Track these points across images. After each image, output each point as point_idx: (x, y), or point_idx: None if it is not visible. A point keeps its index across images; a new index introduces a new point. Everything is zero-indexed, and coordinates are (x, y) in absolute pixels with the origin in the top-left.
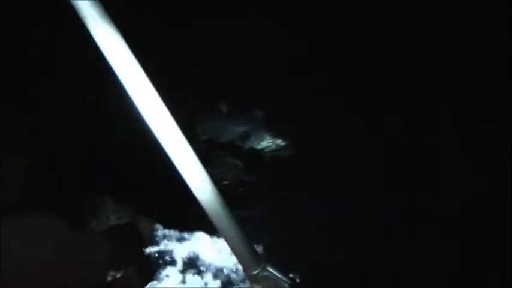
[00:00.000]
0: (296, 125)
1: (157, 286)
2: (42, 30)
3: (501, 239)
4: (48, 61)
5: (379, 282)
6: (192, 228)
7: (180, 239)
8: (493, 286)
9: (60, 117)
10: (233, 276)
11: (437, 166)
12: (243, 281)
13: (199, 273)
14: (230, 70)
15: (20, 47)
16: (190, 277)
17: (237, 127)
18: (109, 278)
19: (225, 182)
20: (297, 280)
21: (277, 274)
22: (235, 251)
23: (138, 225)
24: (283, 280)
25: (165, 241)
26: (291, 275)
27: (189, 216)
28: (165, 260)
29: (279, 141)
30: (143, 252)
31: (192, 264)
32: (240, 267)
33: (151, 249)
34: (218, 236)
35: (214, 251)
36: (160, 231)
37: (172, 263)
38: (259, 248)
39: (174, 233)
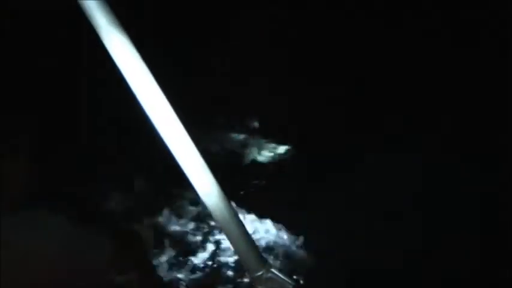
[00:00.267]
0: (296, 133)
1: None
2: (44, 31)
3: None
4: (48, 61)
5: (382, 284)
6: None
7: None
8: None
9: (62, 117)
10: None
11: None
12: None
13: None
14: (230, 80)
15: (21, 48)
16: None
17: (237, 137)
18: (112, 281)
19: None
20: (301, 282)
21: (281, 276)
22: (239, 252)
23: (141, 229)
24: (287, 282)
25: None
26: (294, 277)
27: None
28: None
29: (280, 150)
30: (146, 257)
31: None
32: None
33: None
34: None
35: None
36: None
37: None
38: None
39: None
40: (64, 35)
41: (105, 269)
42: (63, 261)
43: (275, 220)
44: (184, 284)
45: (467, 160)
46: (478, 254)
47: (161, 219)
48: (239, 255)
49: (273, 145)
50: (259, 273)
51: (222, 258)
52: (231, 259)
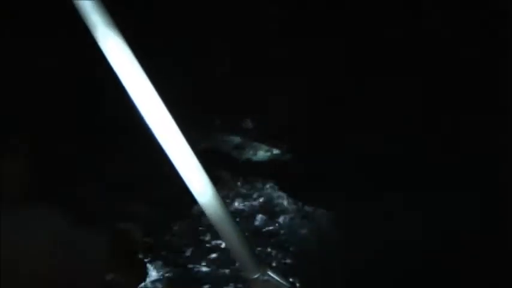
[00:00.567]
0: (294, 134)
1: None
2: (44, 31)
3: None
4: (49, 62)
5: (382, 286)
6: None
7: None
8: None
9: (62, 117)
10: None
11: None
12: None
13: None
14: (227, 81)
15: (20, 48)
16: None
17: (232, 138)
18: (110, 281)
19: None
20: (297, 285)
21: (278, 278)
22: (236, 254)
23: (135, 230)
24: (284, 284)
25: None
26: (291, 279)
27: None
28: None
29: (275, 151)
30: (145, 258)
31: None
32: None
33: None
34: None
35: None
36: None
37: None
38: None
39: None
40: (63, 35)
41: (103, 268)
42: (62, 260)
43: (272, 220)
44: (181, 284)
45: (467, 160)
46: (478, 255)
47: (161, 220)
48: (235, 257)
49: (270, 146)
50: (256, 275)
51: (220, 260)
52: (228, 261)
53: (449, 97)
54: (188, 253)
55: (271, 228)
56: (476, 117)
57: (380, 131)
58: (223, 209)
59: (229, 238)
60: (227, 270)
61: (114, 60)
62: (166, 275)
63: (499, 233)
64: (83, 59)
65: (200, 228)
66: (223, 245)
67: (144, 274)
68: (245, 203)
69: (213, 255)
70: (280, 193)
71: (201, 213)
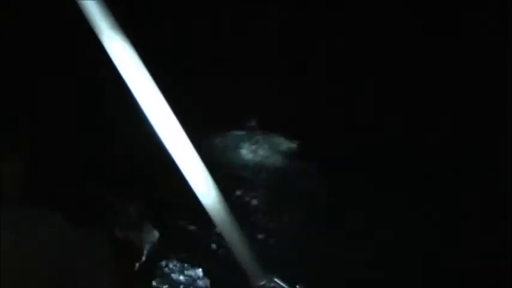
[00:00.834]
0: (296, 133)
1: None
2: (44, 31)
3: None
4: (53, 62)
5: None
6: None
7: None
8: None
9: (62, 118)
10: None
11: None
12: None
13: None
14: (229, 80)
15: (22, 48)
16: None
17: (235, 137)
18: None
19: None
20: None
21: (284, 286)
22: (240, 259)
23: (136, 231)
24: None
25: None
26: (297, 286)
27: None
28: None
29: (279, 150)
30: (145, 261)
31: None
32: None
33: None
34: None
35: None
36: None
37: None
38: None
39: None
40: (64, 35)
41: (104, 270)
42: (62, 262)
43: (273, 226)
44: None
45: (467, 160)
46: (479, 255)
47: (161, 223)
48: (240, 262)
49: (273, 145)
50: (262, 282)
51: (223, 266)
52: (232, 267)
53: (449, 97)
54: (193, 259)
55: (272, 228)
56: (476, 117)
57: (380, 131)
58: (227, 212)
59: (233, 242)
60: (233, 276)
61: (117, 60)
62: (168, 280)
63: (499, 234)
64: (84, 59)
65: (207, 234)
66: (228, 250)
67: (144, 278)
68: (246, 202)
69: (219, 263)
70: (282, 193)
71: (208, 219)
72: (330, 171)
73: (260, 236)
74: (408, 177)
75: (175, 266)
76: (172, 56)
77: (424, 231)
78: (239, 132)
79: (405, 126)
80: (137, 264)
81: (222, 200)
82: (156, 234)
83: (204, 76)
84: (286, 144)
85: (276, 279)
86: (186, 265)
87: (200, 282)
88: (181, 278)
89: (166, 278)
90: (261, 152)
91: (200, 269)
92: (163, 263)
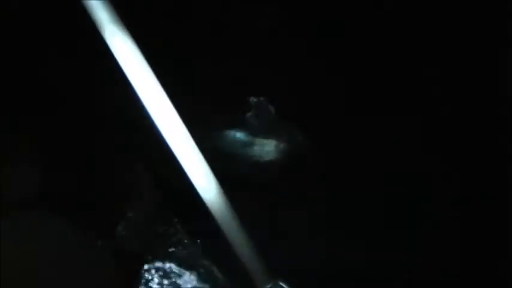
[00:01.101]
0: (300, 131)
1: None
2: (48, 31)
3: None
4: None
5: None
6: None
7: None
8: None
9: (63, 116)
10: None
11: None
12: None
13: None
14: (230, 79)
15: (21, 48)
16: None
17: (238, 135)
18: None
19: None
20: None
21: None
22: (243, 259)
23: (140, 236)
24: None
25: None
26: None
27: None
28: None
29: (282, 147)
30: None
31: None
32: None
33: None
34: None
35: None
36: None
37: None
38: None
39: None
40: (68, 35)
41: (103, 271)
42: (62, 262)
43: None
44: None
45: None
46: (479, 255)
47: (162, 223)
48: (244, 265)
49: (275, 143)
50: (267, 286)
51: (227, 269)
52: (236, 270)
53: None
54: (197, 267)
55: (277, 228)
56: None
57: (387, 127)
58: (228, 207)
59: (235, 241)
60: (237, 280)
61: (120, 57)
62: (170, 279)
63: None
64: (84, 59)
65: (212, 241)
66: (232, 253)
67: (146, 277)
68: (247, 202)
69: (224, 269)
70: (284, 192)
71: (215, 226)
72: (333, 171)
73: (263, 237)
74: (408, 178)
75: (176, 266)
76: (175, 54)
77: (425, 231)
78: (241, 130)
79: (411, 126)
80: (138, 265)
81: (223, 195)
82: (157, 234)
83: (206, 73)
84: (288, 143)
85: (281, 284)
86: (186, 266)
87: (201, 285)
88: (182, 279)
89: (167, 279)
90: (263, 151)
91: (202, 271)
92: (164, 264)
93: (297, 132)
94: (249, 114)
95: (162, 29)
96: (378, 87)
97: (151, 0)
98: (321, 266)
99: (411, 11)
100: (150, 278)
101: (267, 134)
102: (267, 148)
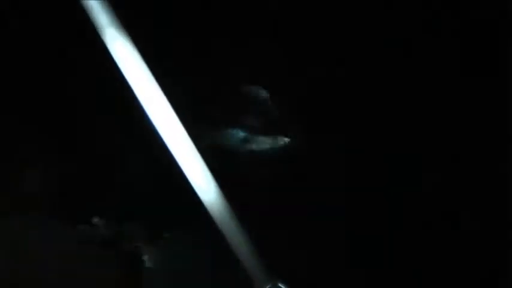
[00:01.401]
0: (298, 129)
1: None
2: (53, 33)
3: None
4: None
5: None
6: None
7: None
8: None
9: (66, 120)
10: None
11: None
12: None
13: None
14: (230, 78)
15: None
16: None
17: (236, 133)
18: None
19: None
20: None
21: None
22: (242, 259)
23: (140, 237)
24: None
25: None
26: None
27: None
28: None
29: (281, 146)
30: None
31: None
32: None
33: None
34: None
35: None
36: None
37: None
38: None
39: None
40: (73, 39)
41: (104, 271)
42: (62, 262)
43: (276, 220)
44: None
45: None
46: (479, 256)
47: (162, 223)
48: (243, 265)
49: (274, 141)
50: (267, 286)
51: (227, 274)
52: (236, 271)
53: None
54: (200, 269)
55: (275, 228)
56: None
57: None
58: (227, 208)
59: (235, 241)
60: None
61: (120, 60)
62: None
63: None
64: (85, 60)
65: (212, 245)
66: (232, 253)
67: (146, 277)
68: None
69: (224, 271)
70: (284, 191)
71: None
72: (333, 171)
73: (263, 237)
74: (409, 179)
75: (177, 267)
76: (174, 56)
77: (425, 231)
78: (240, 131)
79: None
80: (138, 266)
81: (222, 196)
82: (157, 235)
83: (204, 73)
84: (289, 143)
85: (280, 285)
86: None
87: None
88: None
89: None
90: (262, 150)
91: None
92: (167, 273)
93: (296, 131)
94: (248, 113)
95: (162, 29)
96: (378, 87)
97: (150, 3)
98: (320, 266)
99: None
100: None
101: (266, 132)
102: (266, 146)
